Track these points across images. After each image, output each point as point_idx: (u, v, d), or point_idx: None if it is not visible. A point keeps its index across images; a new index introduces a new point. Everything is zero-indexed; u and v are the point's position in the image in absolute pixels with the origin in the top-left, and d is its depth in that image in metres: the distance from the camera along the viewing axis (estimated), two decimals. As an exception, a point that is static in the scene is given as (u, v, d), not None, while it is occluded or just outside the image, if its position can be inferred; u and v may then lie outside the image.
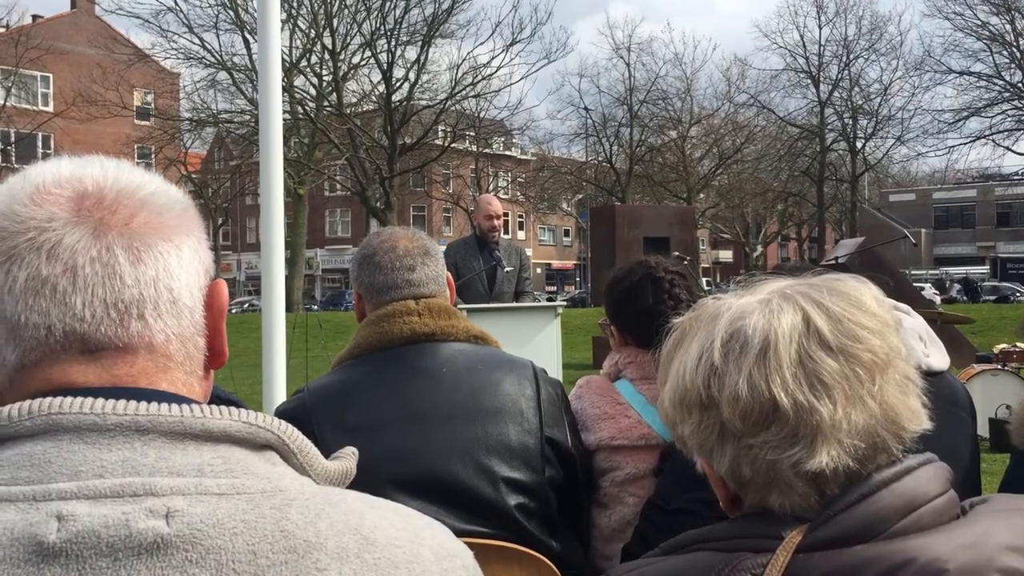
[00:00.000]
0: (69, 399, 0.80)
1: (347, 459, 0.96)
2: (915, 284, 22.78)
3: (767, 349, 1.05)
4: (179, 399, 0.85)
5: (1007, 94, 38.63)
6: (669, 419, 1.16)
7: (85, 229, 0.85)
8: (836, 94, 46.10)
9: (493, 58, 36.83)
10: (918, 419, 1.08)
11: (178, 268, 0.89)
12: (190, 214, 0.94)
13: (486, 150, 46.43)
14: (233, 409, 0.85)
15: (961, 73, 39.36)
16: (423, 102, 36.98)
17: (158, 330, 0.88)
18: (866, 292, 1.10)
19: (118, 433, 0.79)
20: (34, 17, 47.31)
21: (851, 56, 45.49)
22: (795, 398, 1.03)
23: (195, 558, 0.75)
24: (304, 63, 35.72)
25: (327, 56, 35.82)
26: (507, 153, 51.00)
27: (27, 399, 0.81)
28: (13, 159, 38.03)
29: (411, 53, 36.39)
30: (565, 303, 7.97)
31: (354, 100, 37.26)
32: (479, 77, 36.74)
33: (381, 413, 1.99)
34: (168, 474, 0.79)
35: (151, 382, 0.87)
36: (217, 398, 0.91)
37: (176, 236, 0.90)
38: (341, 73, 35.76)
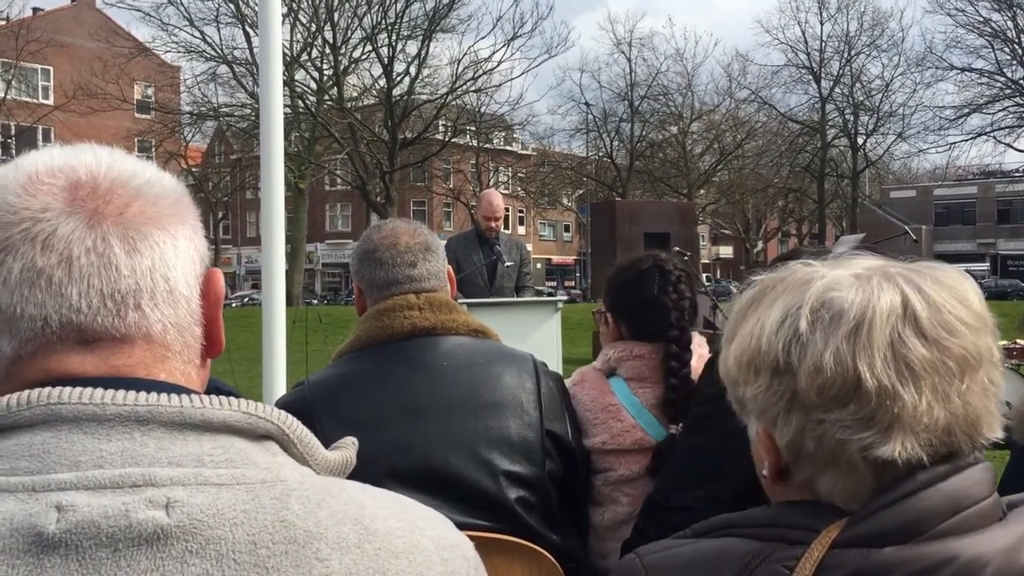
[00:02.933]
0: (68, 389, 0.80)
1: (347, 449, 0.96)
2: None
3: (861, 326, 1.00)
4: (177, 389, 0.84)
5: (1008, 91, 38.58)
6: (731, 378, 1.11)
7: (80, 219, 0.84)
8: (837, 90, 46.09)
9: (494, 53, 37.00)
10: (994, 427, 1.05)
11: (174, 257, 0.89)
12: (185, 202, 0.93)
13: (487, 145, 46.37)
14: (232, 399, 0.85)
15: (963, 69, 39.34)
16: (424, 97, 36.94)
17: (155, 320, 0.87)
18: (970, 287, 1.06)
19: (117, 423, 0.79)
20: (34, 10, 47.25)
21: (853, 52, 45.52)
22: (880, 381, 0.99)
23: (195, 548, 0.75)
24: (305, 57, 35.65)
25: (328, 50, 35.75)
26: (508, 148, 50.91)
27: (24, 390, 0.80)
28: (13, 152, 37.96)
29: (412, 47, 36.39)
30: (565, 298, 7.94)
31: (355, 94, 37.19)
32: (480, 72, 36.72)
33: (381, 406, 1.99)
34: (168, 464, 0.78)
35: (149, 372, 0.87)
36: (217, 390, 0.91)
37: (171, 225, 0.90)
38: (342, 67, 35.70)
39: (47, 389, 0.80)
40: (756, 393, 1.07)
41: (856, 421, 1.00)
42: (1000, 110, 38.83)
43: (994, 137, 39.33)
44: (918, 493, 0.98)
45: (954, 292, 1.04)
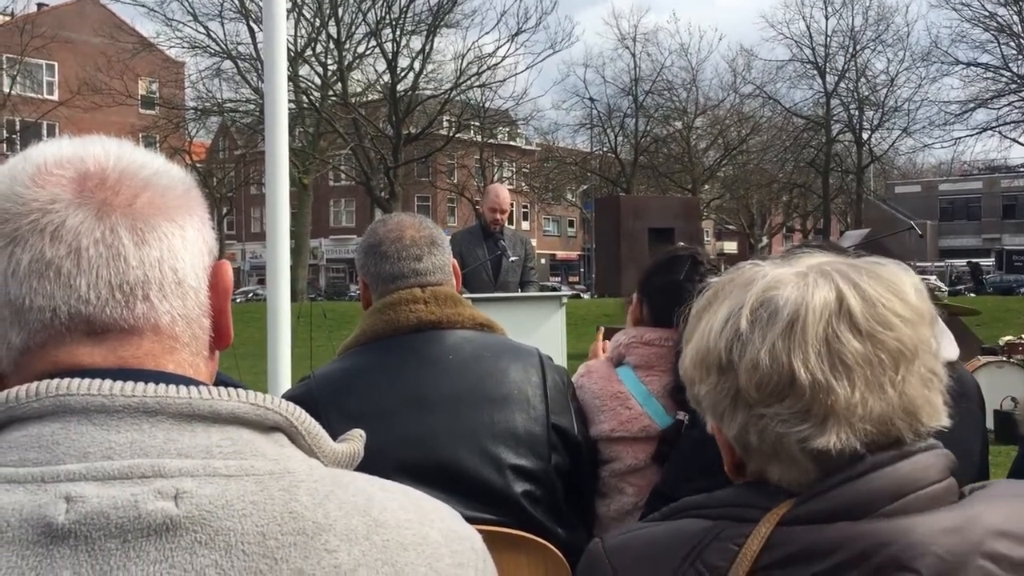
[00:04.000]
0: (77, 380, 0.80)
1: (355, 441, 0.96)
2: (921, 276, 22.66)
3: (795, 323, 1.04)
4: (186, 380, 0.84)
5: (1014, 85, 38.43)
6: (688, 377, 1.16)
7: (88, 210, 0.84)
8: (842, 85, 45.94)
9: (498, 48, 36.94)
10: (937, 415, 1.07)
11: (182, 249, 0.89)
12: (193, 194, 0.93)
13: (491, 140, 46.33)
14: (241, 391, 0.85)
15: (968, 64, 39.20)
16: (428, 92, 36.91)
17: (163, 311, 0.87)
18: (907, 280, 1.08)
19: (126, 415, 0.79)
20: (39, 5, 47.25)
21: (858, 47, 45.36)
22: (814, 376, 1.02)
23: (204, 539, 0.75)
24: (309, 52, 35.66)
25: (332, 45, 35.76)
26: (512, 143, 50.88)
27: (33, 381, 0.81)
28: (18, 148, 37.96)
29: (416, 43, 36.36)
30: (570, 293, 7.94)
31: (359, 90, 37.19)
32: (484, 67, 36.69)
33: (387, 400, 1.99)
34: (176, 456, 0.78)
35: (157, 364, 0.87)
36: (224, 384, 0.91)
37: (180, 216, 0.90)
38: (346, 62, 35.70)
39: (56, 380, 0.80)
40: (707, 391, 1.11)
41: (793, 415, 1.03)
42: (1005, 105, 38.70)
43: (999, 132, 39.23)
44: (864, 476, 1.01)
45: (890, 286, 1.07)
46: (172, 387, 0.82)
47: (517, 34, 36.27)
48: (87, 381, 0.80)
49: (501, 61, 36.69)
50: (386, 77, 36.57)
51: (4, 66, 39.95)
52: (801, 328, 1.03)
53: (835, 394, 1.02)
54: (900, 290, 1.07)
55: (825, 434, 1.02)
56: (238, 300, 39.91)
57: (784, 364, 1.03)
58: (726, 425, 1.10)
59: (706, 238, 56.39)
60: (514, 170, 51.40)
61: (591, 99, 45.42)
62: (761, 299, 1.07)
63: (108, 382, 0.80)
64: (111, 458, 0.77)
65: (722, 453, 1.15)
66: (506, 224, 6.79)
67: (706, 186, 47.60)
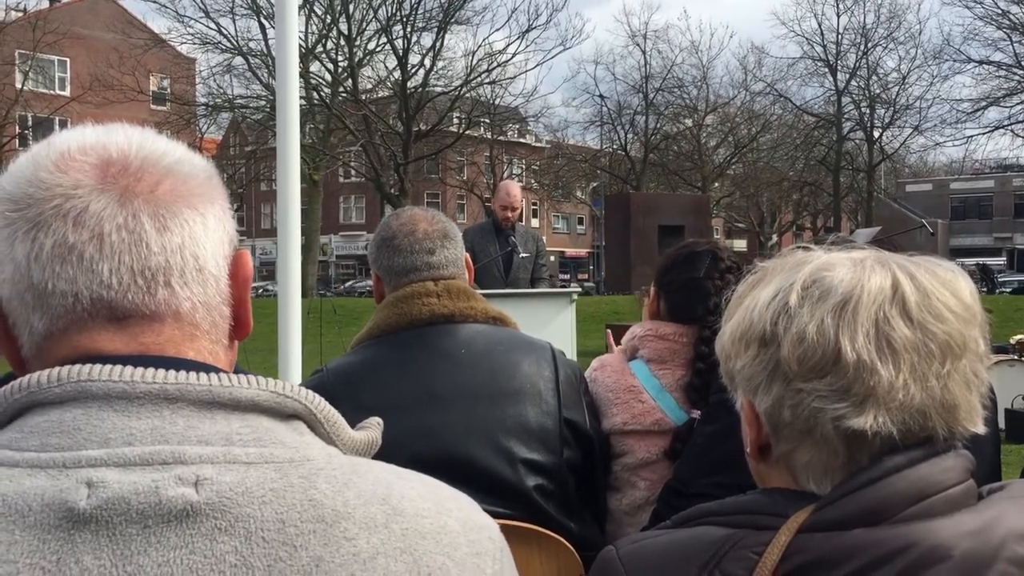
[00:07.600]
0: (98, 366, 0.80)
1: (372, 429, 0.96)
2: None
3: (847, 303, 1.03)
4: (206, 368, 0.85)
5: (1027, 84, 38.24)
6: (724, 352, 1.15)
7: (111, 196, 0.85)
8: (854, 83, 45.77)
9: (508, 45, 36.85)
10: (974, 419, 1.06)
11: (203, 236, 0.89)
12: (214, 182, 0.94)
13: (501, 137, 46.32)
14: (260, 378, 0.85)
15: (980, 62, 38.95)
16: (438, 89, 36.93)
17: (184, 298, 0.88)
18: (963, 282, 1.08)
19: (147, 401, 0.80)
20: (51, 1, 47.42)
21: (869, 44, 45.17)
22: (860, 355, 1.01)
23: (224, 526, 0.76)
24: (320, 49, 35.71)
25: (343, 42, 35.80)
26: (522, 140, 50.85)
27: (55, 366, 0.81)
28: (31, 143, 38.01)
29: (427, 39, 36.42)
30: (579, 291, 7.92)
31: (369, 86, 37.23)
32: (494, 64, 36.71)
33: (400, 393, 1.99)
34: (197, 442, 0.79)
35: (178, 351, 0.87)
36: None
37: (201, 204, 0.90)
38: (357, 59, 35.73)
39: (77, 366, 0.81)
40: (744, 364, 1.10)
41: (832, 392, 1.03)
42: (1018, 103, 38.42)
43: (1011, 131, 38.97)
44: (886, 478, 1.00)
45: (946, 283, 1.06)
46: (192, 374, 0.82)
47: (527, 31, 36.36)
48: (108, 367, 0.81)
49: (511, 58, 36.75)
50: (396, 74, 36.60)
51: (17, 62, 40.08)
52: (853, 308, 1.03)
53: (878, 375, 1.01)
54: (956, 288, 1.06)
55: (862, 415, 1.01)
56: (248, 296, 39.95)
57: (831, 340, 1.02)
58: (759, 399, 1.09)
59: (716, 236, 56.18)
60: (524, 167, 51.33)
61: (601, 96, 45.42)
62: (814, 277, 1.07)
63: (129, 368, 0.81)
64: (132, 444, 0.77)
65: (747, 433, 1.13)
66: (518, 221, 6.78)
67: (716, 184, 47.47)
